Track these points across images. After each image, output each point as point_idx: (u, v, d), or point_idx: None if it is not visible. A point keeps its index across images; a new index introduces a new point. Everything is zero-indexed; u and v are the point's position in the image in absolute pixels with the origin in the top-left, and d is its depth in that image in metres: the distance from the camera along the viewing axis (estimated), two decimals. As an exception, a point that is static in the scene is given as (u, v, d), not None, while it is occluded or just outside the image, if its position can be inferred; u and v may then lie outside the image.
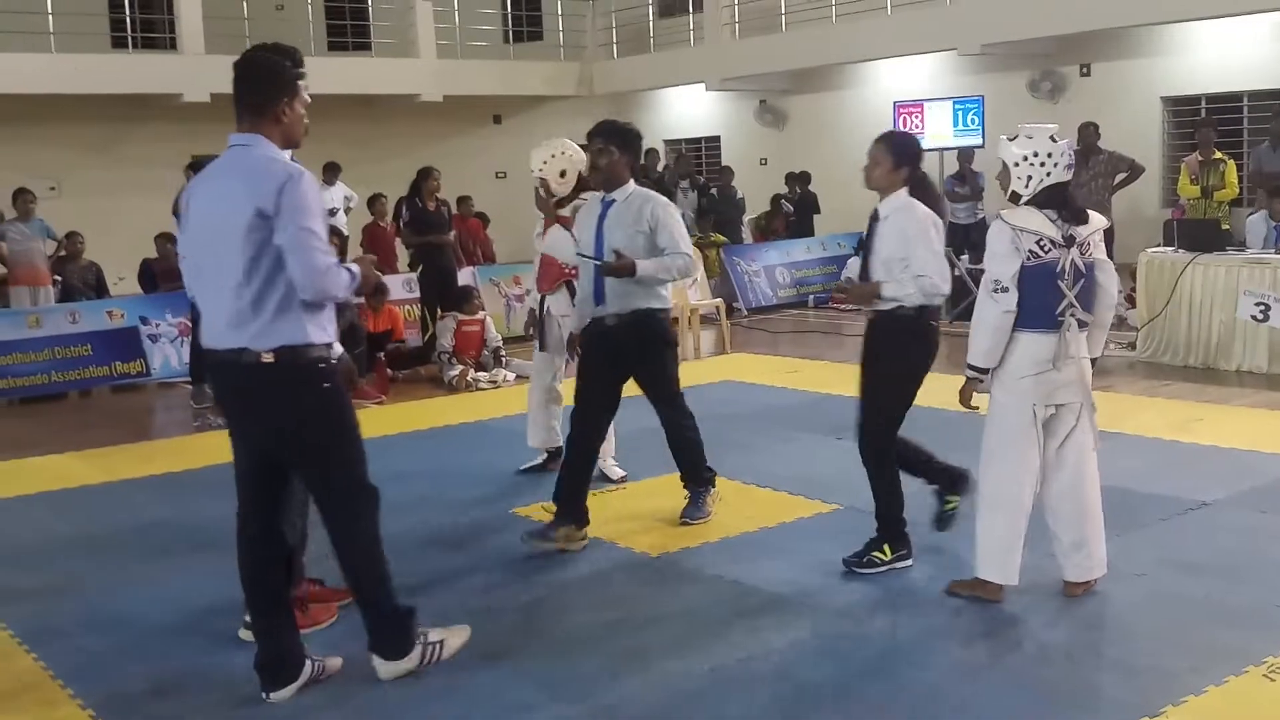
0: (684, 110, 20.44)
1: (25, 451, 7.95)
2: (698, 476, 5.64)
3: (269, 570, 3.95)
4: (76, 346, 10.06)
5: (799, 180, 16.34)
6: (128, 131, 16.70)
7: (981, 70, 15.53)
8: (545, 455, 6.63)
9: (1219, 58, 13.89)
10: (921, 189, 4.84)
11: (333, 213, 12.49)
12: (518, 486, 6.42)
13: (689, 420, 5.59)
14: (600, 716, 3.75)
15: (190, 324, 9.64)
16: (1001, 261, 4.31)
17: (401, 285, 11.37)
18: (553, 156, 6.20)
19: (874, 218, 4.84)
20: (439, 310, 10.54)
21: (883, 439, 4.85)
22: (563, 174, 6.17)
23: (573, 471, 5.35)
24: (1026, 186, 4.37)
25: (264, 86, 3.81)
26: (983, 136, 12.40)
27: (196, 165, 8.97)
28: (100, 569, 5.40)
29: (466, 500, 6.25)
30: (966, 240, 12.50)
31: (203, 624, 4.61)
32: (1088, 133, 11.48)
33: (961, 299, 10.50)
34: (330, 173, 13.76)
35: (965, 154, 13.01)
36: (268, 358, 3.70)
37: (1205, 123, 11.91)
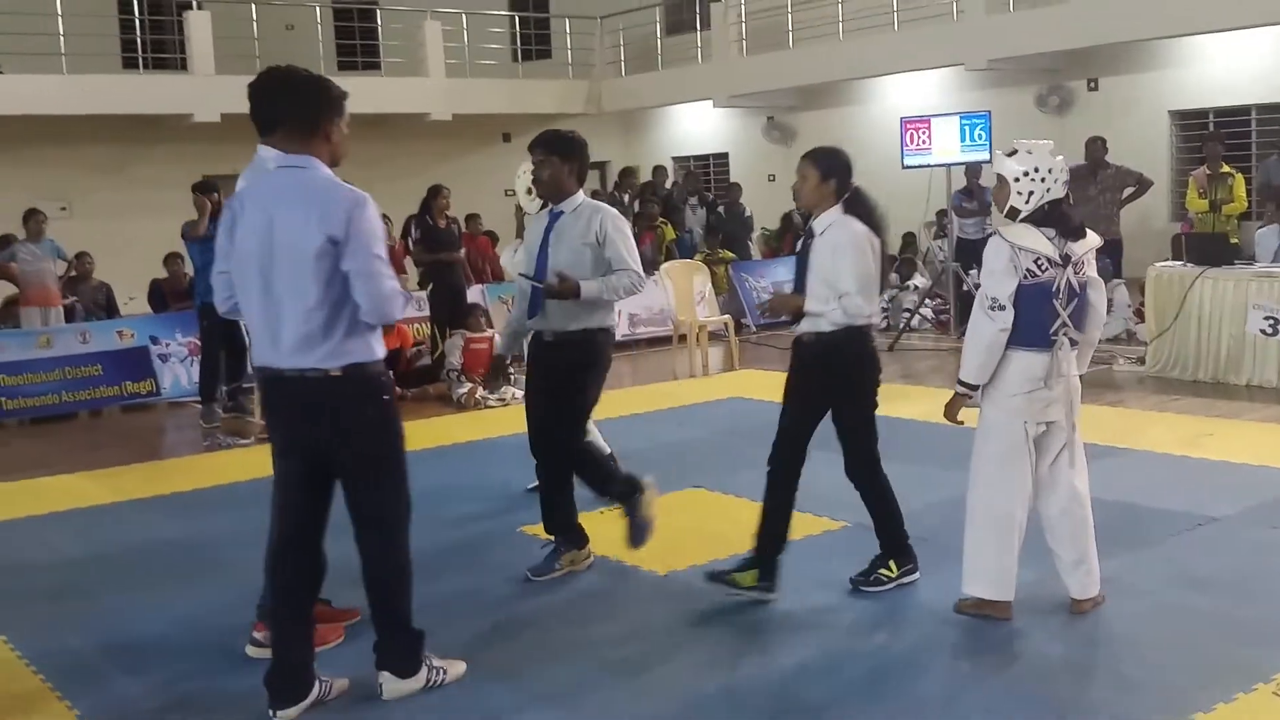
0: (692, 127, 20.48)
1: (36, 471, 7.98)
2: (620, 494, 5.17)
3: (305, 581, 3.97)
4: (87, 366, 10.10)
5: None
6: (138, 152, 16.77)
7: (989, 85, 15.53)
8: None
9: (1227, 71, 13.89)
10: (859, 206, 4.72)
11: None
12: (525, 503, 6.40)
13: (578, 447, 5.17)
14: (607, 735, 3.75)
15: (201, 342, 9.68)
16: (999, 279, 4.30)
17: (412, 303, 11.40)
18: (519, 176, 6.30)
19: (809, 234, 4.77)
20: (448, 328, 10.58)
21: (872, 451, 4.83)
22: (529, 191, 6.17)
23: (550, 497, 5.27)
24: (1027, 202, 4.36)
25: (314, 106, 3.85)
26: (990, 152, 12.39)
27: (205, 186, 9.00)
28: (109, 588, 5.41)
29: (474, 516, 6.27)
30: (975, 255, 12.45)
31: (210, 643, 4.61)
32: (1095, 147, 11.48)
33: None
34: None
35: (973, 169, 13.00)
36: (336, 373, 3.77)
37: (1213, 136, 11.91)
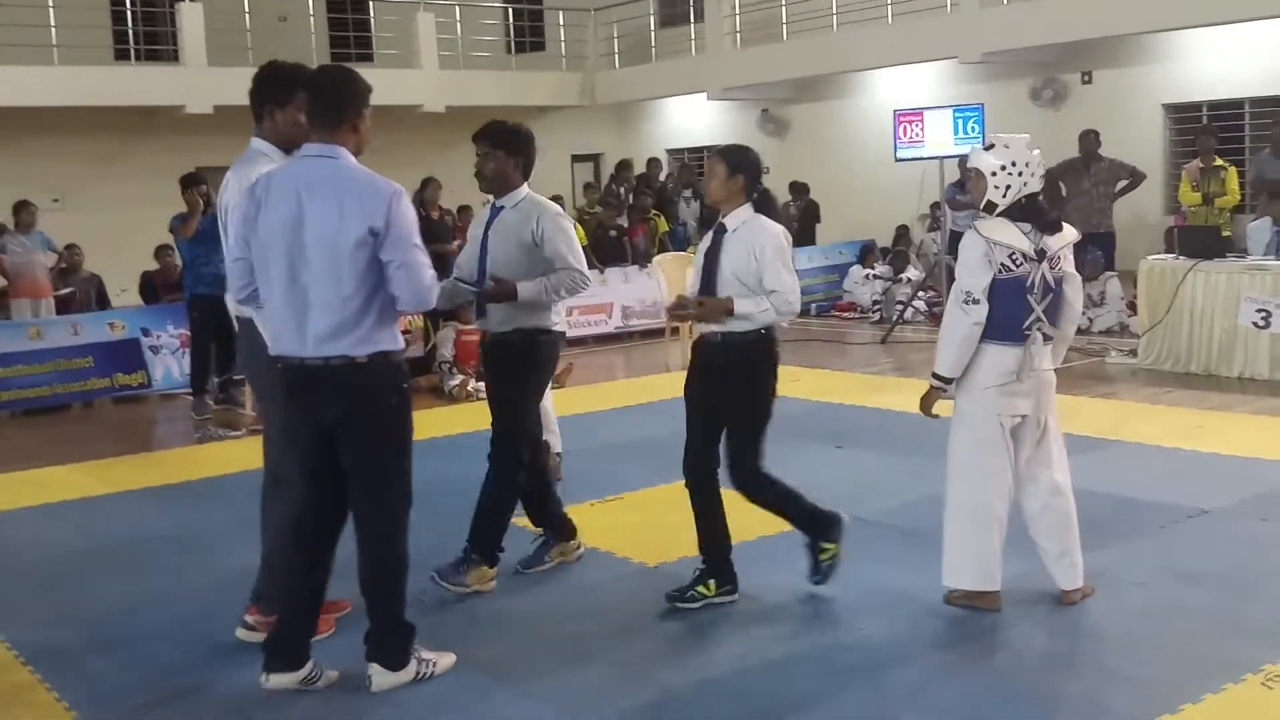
0: (686, 120, 20.47)
1: (27, 463, 7.95)
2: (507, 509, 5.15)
3: (322, 559, 4.02)
4: (78, 358, 10.07)
5: (800, 190, 16.34)
6: (130, 144, 16.74)
7: (983, 79, 15.54)
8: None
9: (1220, 65, 13.90)
10: (765, 205, 4.63)
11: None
12: (518, 496, 6.41)
13: (517, 466, 5.11)
14: (597, 727, 3.74)
15: (191, 335, 9.65)
16: (974, 273, 4.30)
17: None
18: None
19: (719, 230, 4.63)
20: (440, 320, 10.56)
21: (758, 460, 4.67)
22: None
23: (527, 494, 5.22)
24: (1004, 196, 4.37)
25: (345, 96, 3.90)
26: (983, 145, 12.38)
27: (192, 179, 8.97)
28: (99, 579, 5.40)
29: (466, 510, 6.24)
30: (968, 248, 12.47)
31: (200, 634, 4.61)
32: (1089, 140, 11.48)
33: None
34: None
35: (966, 162, 12.98)
36: (363, 360, 3.82)
37: (1206, 129, 11.91)
